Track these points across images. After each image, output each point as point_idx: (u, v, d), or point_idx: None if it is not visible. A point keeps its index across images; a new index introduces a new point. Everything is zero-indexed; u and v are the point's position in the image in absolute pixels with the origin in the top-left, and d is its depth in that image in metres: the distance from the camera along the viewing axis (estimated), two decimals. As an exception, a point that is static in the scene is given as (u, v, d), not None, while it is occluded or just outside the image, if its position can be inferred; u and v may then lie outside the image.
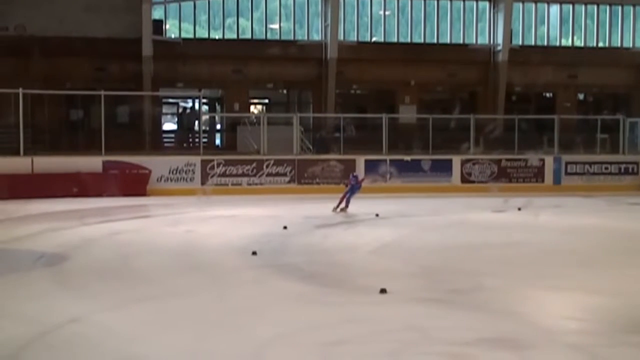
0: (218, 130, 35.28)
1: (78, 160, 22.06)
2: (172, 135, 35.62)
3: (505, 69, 34.28)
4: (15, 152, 21.88)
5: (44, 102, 27.41)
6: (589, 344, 6.81)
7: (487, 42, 35.33)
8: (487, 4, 35.39)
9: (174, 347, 6.65)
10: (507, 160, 24.70)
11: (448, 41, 35.61)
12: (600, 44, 37.15)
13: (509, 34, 34.54)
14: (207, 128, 34.22)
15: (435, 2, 35.47)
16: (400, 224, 16.00)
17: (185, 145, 32.78)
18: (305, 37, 34.32)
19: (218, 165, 22.68)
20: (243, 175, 22.85)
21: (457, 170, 24.31)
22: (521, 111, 31.85)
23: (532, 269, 10.65)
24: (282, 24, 34.59)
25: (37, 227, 14.41)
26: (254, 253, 11.45)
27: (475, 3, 35.68)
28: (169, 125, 36.65)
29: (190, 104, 35.95)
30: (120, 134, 26.89)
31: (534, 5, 36.32)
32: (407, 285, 9.36)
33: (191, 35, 33.65)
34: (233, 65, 32.92)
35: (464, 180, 24.29)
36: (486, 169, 24.39)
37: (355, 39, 34.72)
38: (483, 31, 35.61)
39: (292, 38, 34.18)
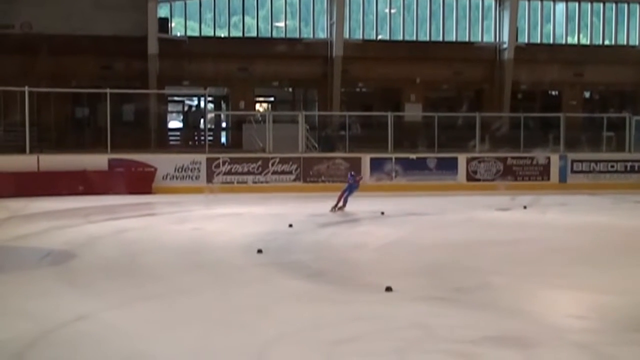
0: (223, 128, 35.33)
1: (84, 158, 22.10)
2: (178, 133, 35.69)
3: (511, 67, 34.25)
4: (22, 150, 21.93)
5: (50, 100, 27.49)
6: (594, 342, 6.80)
7: (492, 40, 35.30)
8: (493, 1, 35.36)
9: (180, 344, 6.66)
10: (513, 158, 24.65)
11: (454, 39, 35.59)
12: (607, 42, 37.08)
13: (514, 31, 34.51)
14: (213, 126, 34.30)
15: (441, 0, 35.43)
16: (405, 222, 15.98)
17: (190, 143, 32.85)
18: (311, 35, 34.34)
19: (224, 163, 22.68)
20: (248, 173, 22.84)
21: (462, 169, 24.27)
22: (527, 109, 31.78)
23: (538, 267, 10.64)
24: (287, 22, 34.62)
25: (43, 225, 14.43)
26: (260, 251, 11.45)
27: (481, 1, 35.65)
28: (175, 123, 36.72)
29: (195, 102, 36.04)
30: (126, 132, 26.94)
31: (539, 3, 36.27)
32: (413, 284, 9.35)
33: (197, 34, 33.71)
34: (238, 63, 32.96)
35: (470, 178, 24.25)
36: (492, 167, 24.34)
37: (361, 36, 34.73)
38: (489, 29, 35.58)
39: (297, 36, 34.20)
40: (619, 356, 6.53)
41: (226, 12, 34.20)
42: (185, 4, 33.77)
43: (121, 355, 6.40)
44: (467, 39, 35.62)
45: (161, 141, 30.84)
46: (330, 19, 33.62)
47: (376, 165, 23.34)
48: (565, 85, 36.17)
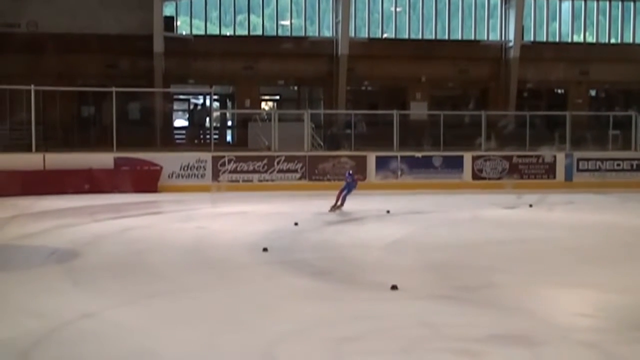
0: (229, 127, 35.37)
1: (90, 156, 22.12)
2: (183, 131, 35.72)
3: (517, 66, 34.21)
4: (28, 149, 21.96)
5: (55, 98, 27.52)
6: (600, 341, 6.78)
7: (498, 38, 35.27)
8: (499, 0, 35.29)
9: (185, 342, 6.67)
10: (519, 156, 24.60)
11: (459, 37, 35.57)
12: (612, 40, 37.01)
13: (520, 30, 34.47)
14: (218, 124, 34.34)
15: (447, -2, 35.43)
16: (411, 220, 15.95)
17: (196, 141, 32.86)
18: (316, 34, 34.35)
19: (229, 161, 22.69)
20: (254, 171, 22.84)
21: (468, 167, 24.23)
22: (533, 107, 31.76)
23: (543, 265, 10.62)
24: (293, 21, 34.64)
25: (49, 224, 14.46)
26: (265, 249, 11.45)
27: (486, -1, 35.62)
28: (180, 122, 36.75)
29: (201, 101, 36.06)
30: (131, 130, 26.96)
31: (545, 1, 36.21)
32: (418, 282, 9.35)
33: (202, 32, 33.74)
34: (244, 62, 32.99)
35: (475, 176, 24.21)
36: (497, 166, 24.29)
37: (366, 35, 34.72)
38: (495, 27, 35.55)
39: (303, 34, 34.22)
40: (625, 355, 6.52)
41: (232, 11, 34.24)
42: (191, 2, 33.81)
43: (126, 353, 6.41)
44: (472, 38, 35.59)
45: (167, 139, 30.87)
46: (336, 17, 33.62)
47: (382, 163, 23.32)
48: (571, 84, 36.11)
